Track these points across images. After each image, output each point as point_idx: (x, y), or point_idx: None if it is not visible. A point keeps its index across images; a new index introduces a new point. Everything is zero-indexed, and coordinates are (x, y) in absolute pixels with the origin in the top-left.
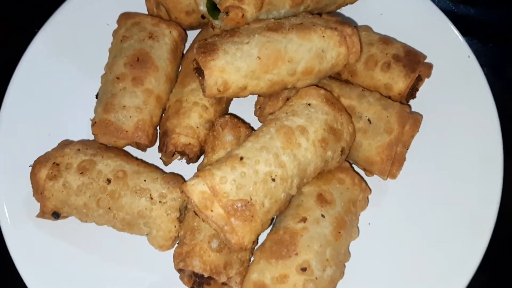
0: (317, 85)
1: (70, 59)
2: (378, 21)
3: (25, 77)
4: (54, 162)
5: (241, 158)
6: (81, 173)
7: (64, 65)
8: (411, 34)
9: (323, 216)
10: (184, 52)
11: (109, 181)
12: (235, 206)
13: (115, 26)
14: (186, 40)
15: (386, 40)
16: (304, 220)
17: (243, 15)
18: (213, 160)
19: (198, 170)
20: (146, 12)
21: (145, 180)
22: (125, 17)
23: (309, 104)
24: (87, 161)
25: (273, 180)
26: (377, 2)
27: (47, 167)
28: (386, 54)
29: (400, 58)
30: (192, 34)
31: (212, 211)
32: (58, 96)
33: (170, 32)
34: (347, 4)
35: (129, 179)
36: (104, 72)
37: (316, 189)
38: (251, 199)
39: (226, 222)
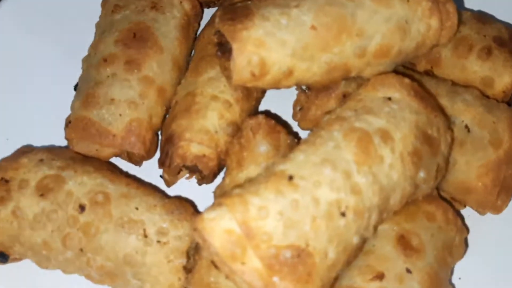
0: (395, 71)
1: (42, 35)
2: None
3: None
4: (1, 178)
5: (291, 178)
6: (42, 195)
7: (33, 44)
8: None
9: (408, 271)
10: (199, 32)
11: (82, 208)
12: (281, 257)
13: None
14: (201, 17)
15: (482, 18)
16: (380, 276)
17: None
18: (240, 180)
19: (217, 195)
20: None
21: (137, 208)
22: None
23: (389, 99)
24: (52, 177)
25: (343, 214)
26: None
27: None
28: (485, 36)
29: (505, 42)
30: (207, 14)
31: (243, 263)
32: (21, 85)
33: (181, 2)
34: None
35: (113, 206)
36: (87, 54)
37: (395, 228)
38: (307, 245)
39: (266, 282)
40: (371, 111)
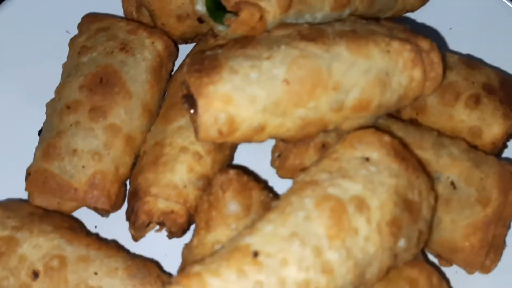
0: (374, 127)
1: (6, 76)
2: (449, 35)
3: None
4: None
5: (256, 254)
6: None
7: None
8: (497, 53)
9: None
10: (173, 73)
11: (36, 274)
12: None
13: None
14: (175, 56)
15: (471, 63)
16: None
17: (261, 17)
18: (208, 242)
19: (184, 256)
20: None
21: (95, 273)
22: (89, 20)
23: (367, 159)
24: (5, 239)
25: None
26: (445, 11)
27: None
28: (473, 83)
29: (494, 90)
30: (184, 50)
31: None
32: None
33: (153, 43)
34: (407, 12)
35: (69, 272)
36: (52, 98)
37: None
38: None
39: None
40: (347, 175)
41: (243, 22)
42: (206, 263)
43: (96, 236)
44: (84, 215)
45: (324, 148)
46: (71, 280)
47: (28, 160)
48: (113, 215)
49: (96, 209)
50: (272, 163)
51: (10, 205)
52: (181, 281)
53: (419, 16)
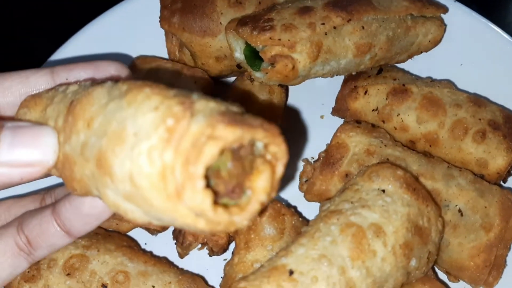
0: (390, 162)
1: None
2: (459, 73)
3: None
4: None
5: (291, 273)
6: (68, 274)
7: None
8: (503, 91)
9: None
10: None
11: (105, 287)
12: None
13: None
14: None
15: (478, 101)
16: None
17: (293, 67)
18: (247, 261)
19: (226, 272)
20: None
21: (153, 286)
22: (140, 62)
23: (383, 191)
24: (78, 256)
25: None
26: (456, 50)
27: None
28: (480, 119)
29: (499, 126)
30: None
31: None
32: None
33: (195, 82)
34: (421, 52)
35: (132, 284)
36: None
37: None
38: None
39: None
40: (366, 205)
41: (278, 72)
42: (249, 280)
43: (150, 253)
44: (135, 233)
45: (347, 177)
46: None
47: None
48: (160, 234)
49: (148, 229)
50: (300, 187)
51: None
52: None
53: (430, 54)
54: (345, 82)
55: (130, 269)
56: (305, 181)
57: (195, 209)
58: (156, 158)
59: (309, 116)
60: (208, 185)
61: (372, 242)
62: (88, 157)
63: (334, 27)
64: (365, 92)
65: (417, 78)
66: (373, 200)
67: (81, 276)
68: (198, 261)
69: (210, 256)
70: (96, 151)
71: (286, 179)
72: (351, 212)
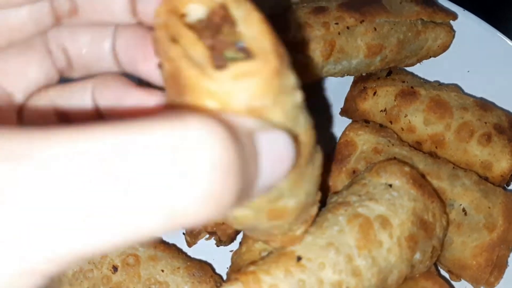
0: (397, 159)
1: None
2: (466, 79)
3: None
4: None
5: (299, 259)
6: None
7: None
8: (508, 97)
9: None
10: None
11: (115, 268)
12: None
13: None
14: None
15: (484, 105)
16: None
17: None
18: (255, 250)
19: (234, 260)
20: None
21: (162, 270)
22: None
23: (390, 186)
24: None
25: None
26: (463, 56)
27: None
28: (485, 123)
29: (504, 130)
30: None
31: None
32: None
33: None
34: (430, 57)
35: (141, 268)
36: None
37: None
38: None
39: None
40: (373, 198)
41: None
42: (259, 265)
43: (161, 239)
44: None
45: (354, 173)
46: (143, 275)
47: None
48: None
49: None
50: None
51: None
52: (240, 277)
53: (439, 59)
54: (354, 83)
55: (141, 253)
56: None
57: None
58: None
59: (317, 117)
60: None
61: (379, 233)
62: None
63: (347, 27)
64: (374, 93)
65: (425, 81)
66: (380, 194)
67: (93, 258)
68: (205, 251)
69: (217, 246)
70: None
71: None
72: (359, 204)
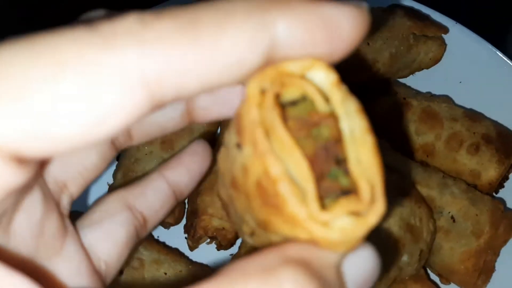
0: (388, 168)
1: None
2: (457, 90)
3: None
4: None
5: None
6: None
7: None
8: (498, 108)
9: None
10: None
11: (121, 272)
12: None
13: None
14: None
15: (473, 116)
16: None
17: None
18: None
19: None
20: None
21: (165, 273)
22: None
23: None
24: None
25: None
26: (455, 68)
27: None
28: (474, 133)
29: (492, 140)
30: None
31: None
32: None
33: None
34: (422, 69)
35: (145, 271)
36: None
37: None
38: None
39: None
40: None
41: None
42: None
43: (163, 244)
44: None
45: None
46: (147, 277)
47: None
48: (172, 228)
49: (161, 223)
50: None
51: None
52: None
53: (431, 71)
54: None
55: (145, 256)
56: None
57: None
58: None
59: None
60: None
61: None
62: None
63: None
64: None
65: (417, 92)
66: None
67: None
68: (206, 254)
69: (218, 250)
70: None
71: None
72: None
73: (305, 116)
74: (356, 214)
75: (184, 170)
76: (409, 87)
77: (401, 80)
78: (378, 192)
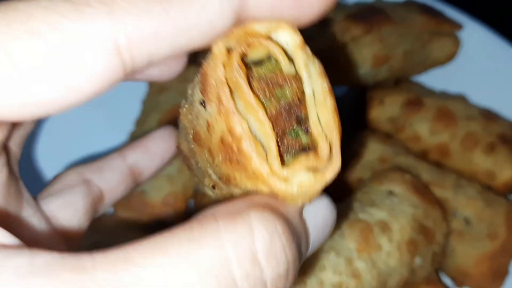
0: (400, 168)
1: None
2: (472, 88)
3: None
4: None
5: None
6: None
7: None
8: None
9: None
10: None
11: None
12: None
13: None
14: None
15: (489, 115)
16: None
17: None
18: None
19: None
20: None
21: None
22: None
23: (391, 193)
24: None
25: None
26: (470, 66)
27: None
28: (490, 133)
29: (508, 139)
30: None
31: None
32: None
33: None
34: (436, 66)
35: None
36: (133, 129)
37: None
38: None
39: None
40: (374, 204)
41: None
42: None
43: None
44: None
45: (359, 182)
46: None
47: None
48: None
49: (163, 221)
50: None
51: (102, 217)
52: None
53: (445, 69)
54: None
55: None
56: None
57: None
58: None
59: None
60: None
61: (378, 237)
62: None
63: (353, 38)
64: (381, 102)
65: (432, 91)
66: (381, 200)
67: None
68: None
69: None
70: None
71: None
72: (360, 210)
73: (270, 76)
74: (314, 170)
75: (145, 153)
76: (423, 85)
77: (415, 78)
78: (335, 150)
